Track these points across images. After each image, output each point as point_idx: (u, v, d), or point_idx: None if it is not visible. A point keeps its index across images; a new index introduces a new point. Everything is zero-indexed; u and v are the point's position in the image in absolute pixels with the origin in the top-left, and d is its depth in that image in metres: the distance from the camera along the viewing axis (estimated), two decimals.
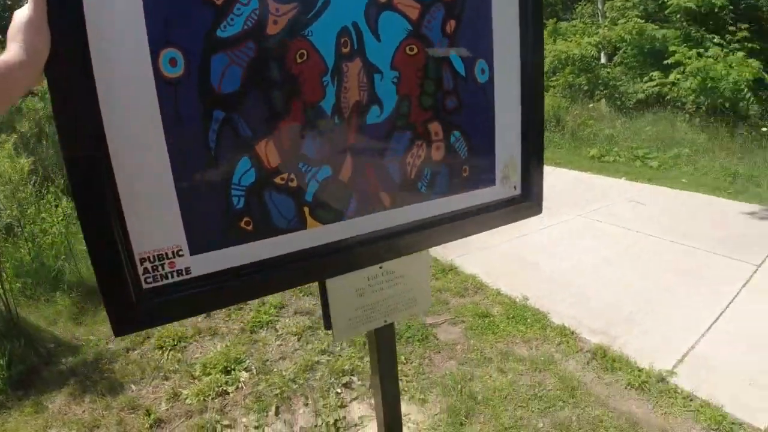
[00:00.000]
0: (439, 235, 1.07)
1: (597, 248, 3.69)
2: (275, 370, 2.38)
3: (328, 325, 0.99)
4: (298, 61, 0.81)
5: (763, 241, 3.67)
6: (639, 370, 2.21)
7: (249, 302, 3.18)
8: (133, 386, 2.41)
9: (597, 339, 2.46)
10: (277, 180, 0.83)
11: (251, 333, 2.76)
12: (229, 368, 2.43)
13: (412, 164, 0.99)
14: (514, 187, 1.21)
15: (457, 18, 0.95)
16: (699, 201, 4.83)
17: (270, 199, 0.83)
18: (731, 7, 7.27)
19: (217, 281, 0.82)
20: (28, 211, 3.81)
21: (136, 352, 2.76)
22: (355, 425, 1.94)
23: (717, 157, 5.95)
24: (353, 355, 2.40)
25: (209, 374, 2.40)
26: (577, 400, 2.04)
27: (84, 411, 2.24)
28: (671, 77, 7.16)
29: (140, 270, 0.75)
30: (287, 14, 0.77)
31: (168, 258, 0.77)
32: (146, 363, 2.61)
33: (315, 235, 0.89)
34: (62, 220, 4.14)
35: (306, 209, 0.87)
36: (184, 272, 0.79)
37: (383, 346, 1.05)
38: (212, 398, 2.24)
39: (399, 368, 2.21)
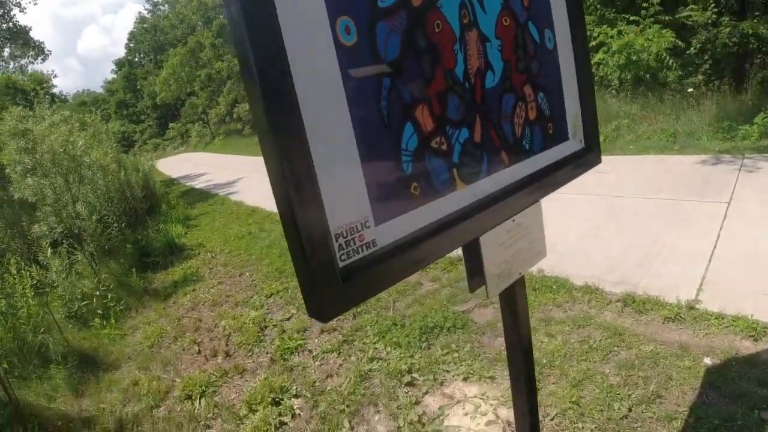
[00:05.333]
0: (540, 190, 1.15)
1: (588, 216, 3.94)
2: (328, 388, 2.30)
3: (474, 287, 1.02)
4: (436, 30, 0.87)
5: (725, 184, 4.07)
6: None
7: (266, 329, 3.07)
8: None
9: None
10: (433, 144, 0.88)
11: (284, 361, 2.65)
12: (277, 399, 2.31)
13: (518, 124, 1.08)
14: (581, 141, 1.33)
15: None
16: (650, 161, 5.30)
17: (429, 162, 0.87)
18: None
19: (397, 251, 0.83)
20: None
21: (161, 408, 2.55)
22: (438, 416, 1.91)
23: (655, 121, 6.54)
24: (403, 354, 2.38)
25: (257, 411, 2.27)
26: None
27: None
28: (597, 57, 7.66)
29: (336, 246, 0.76)
30: None
31: (358, 231, 0.78)
32: (179, 417, 2.42)
33: (464, 195, 0.94)
34: (31, 289, 3.77)
35: (455, 170, 0.92)
36: (371, 245, 0.80)
37: (519, 299, 1.10)
38: None
39: (455, 355, 2.26)
